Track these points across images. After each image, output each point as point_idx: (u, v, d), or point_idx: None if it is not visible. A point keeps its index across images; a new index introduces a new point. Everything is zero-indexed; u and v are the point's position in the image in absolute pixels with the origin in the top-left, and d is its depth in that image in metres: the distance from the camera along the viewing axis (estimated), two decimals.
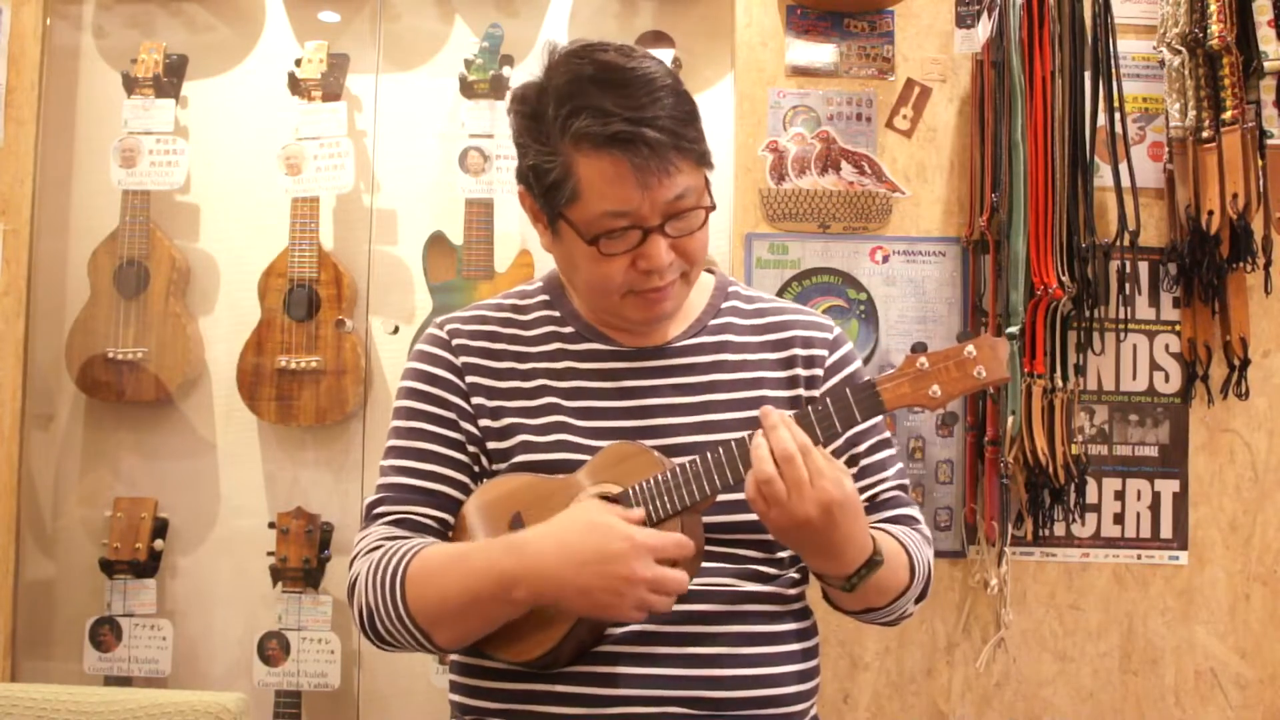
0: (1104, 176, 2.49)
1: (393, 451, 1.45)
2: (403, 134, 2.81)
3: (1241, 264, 2.43)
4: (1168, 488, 2.53)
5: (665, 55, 2.59)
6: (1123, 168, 2.46)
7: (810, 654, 1.44)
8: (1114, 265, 2.49)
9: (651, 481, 1.31)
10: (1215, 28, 2.35)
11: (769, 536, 1.34)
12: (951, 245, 2.57)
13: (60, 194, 2.79)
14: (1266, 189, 2.42)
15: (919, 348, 1.30)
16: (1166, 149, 2.53)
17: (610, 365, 1.44)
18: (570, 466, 1.37)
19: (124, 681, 2.62)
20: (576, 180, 1.32)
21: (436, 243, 2.69)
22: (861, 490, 1.42)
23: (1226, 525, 2.52)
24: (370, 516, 1.43)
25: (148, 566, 2.64)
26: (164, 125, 2.70)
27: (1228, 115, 2.37)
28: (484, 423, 1.42)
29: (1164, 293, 2.55)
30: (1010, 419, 2.37)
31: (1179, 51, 2.43)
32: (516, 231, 2.74)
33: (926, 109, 2.59)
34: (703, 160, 1.36)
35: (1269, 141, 2.44)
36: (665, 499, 1.30)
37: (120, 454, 2.78)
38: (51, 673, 2.67)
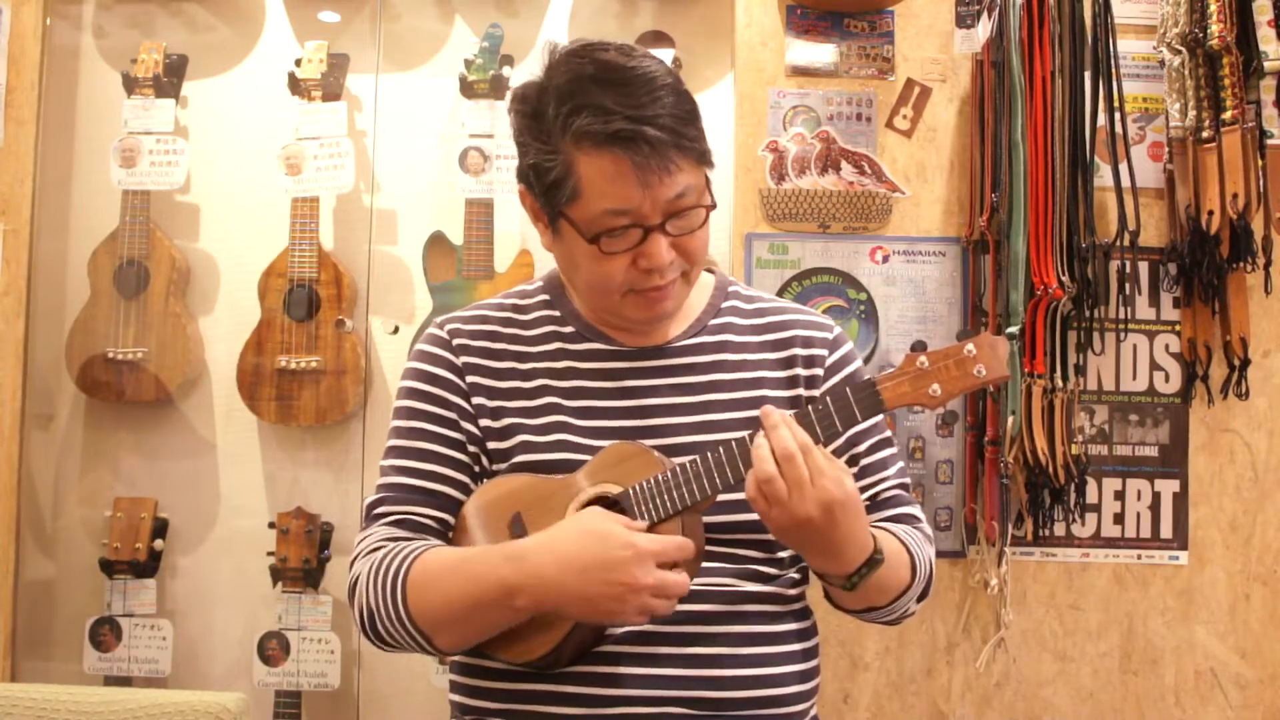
0: (1104, 176, 2.49)
1: (393, 451, 1.45)
2: (403, 134, 2.81)
3: (1241, 264, 2.44)
4: (1168, 488, 2.53)
5: (665, 55, 2.59)
6: (1123, 168, 2.46)
7: (810, 654, 1.44)
8: (1114, 265, 2.49)
9: (652, 481, 1.31)
10: (1215, 28, 2.35)
11: (769, 536, 1.34)
12: (951, 245, 2.57)
13: (60, 194, 2.79)
14: (1266, 189, 2.42)
15: (919, 346, 1.30)
16: (1166, 149, 2.53)
17: (610, 365, 1.44)
18: (570, 466, 1.37)
19: (124, 681, 2.62)
20: (577, 178, 1.32)
21: (436, 243, 2.69)
22: (862, 489, 1.42)
23: (1226, 525, 2.52)
24: (371, 517, 1.43)
25: (148, 566, 2.64)
26: (164, 125, 2.70)
27: (1228, 115, 2.37)
28: (484, 423, 1.42)
29: (1164, 293, 2.55)
30: (1010, 419, 2.37)
31: (1179, 51, 2.43)
32: (516, 231, 2.74)
33: (926, 109, 2.59)
34: (703, 159, 1.36)
35: (1269, 141, 2.43)
36: (665, 499, 1.30)
37: (120, 454, 2.78)
38: (51, 673, 2.67)
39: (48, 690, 1.64)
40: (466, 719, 1.42)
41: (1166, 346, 2.55)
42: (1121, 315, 2.50)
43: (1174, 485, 2.53)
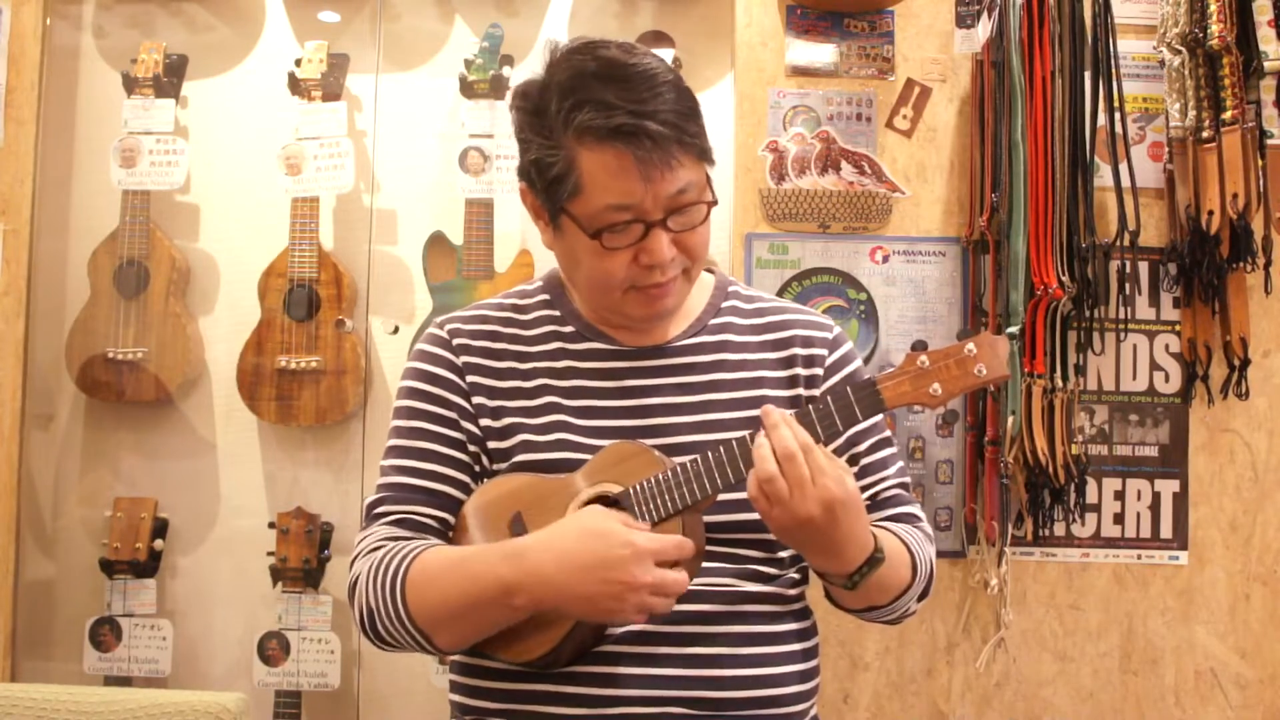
0: (1104, 176, 2.49)
1: (393, 451, 1.45)
2: (403, 134, 2.81)
3: (1241, 264, 2.44)
4: (1168, 488, 2.53)
5: (665, 55, 2.58)
6: (1123, 168, 2.46)
7: (810, 654, 1.44)
8: (1114, 265, 2.49)
9: (652, 481, 1.31)
10: (1215, 28, 2.35)
11: (770, 536, 1.34)
12: (951, 245, 2.57)
13: (60, 194, 2.79)
14: (1266, 189, 2.42)
15: (919, 346, 1.31)
16: (1166, 149, 2.53)
17: (611, 364, 1.44)
18: (570, 466, 1.37)
19: (124, 681, 2.62)
20: (579, 174, 1.32)
21: (436, 243, 2.69)
22: (863, 489, 1.42)
23: (1226, 525, 2.52)
24: (371, 516, 1.43)
25: (148, 566, 2.64)
26: (164, 125, 2.70)
27: (1228, 115, 2.37)
28: (485, 422, 1.42)
29: (1164, 293, 2.55)
30: (1010, 419, 2.37)
31: (1179, 51, 2.43)
32: (517, 231, 2.74)
33: (926, 109, 2.59)
34: (704, 155, 1.36)
35: (1269, 141, 2.44)
36: (665, 498, 1.30)
37: (120, 454, 2.78)
38: (51, 673, 2.67)
39: (48, 690, 1.64)
40: (466, 719, 1.42)
41: (1166, 346, 2.55)
42: (1121, 315, 2.50)
43: (1174, 485, 2.53)
